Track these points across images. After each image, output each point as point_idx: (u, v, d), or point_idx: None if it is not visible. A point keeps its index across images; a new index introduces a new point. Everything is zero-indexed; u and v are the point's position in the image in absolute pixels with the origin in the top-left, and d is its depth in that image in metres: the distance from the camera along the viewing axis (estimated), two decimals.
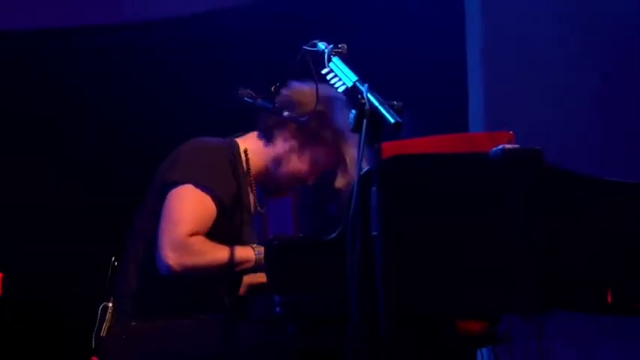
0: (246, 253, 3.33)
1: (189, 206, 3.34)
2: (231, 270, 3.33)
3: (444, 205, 2.88)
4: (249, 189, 3.52)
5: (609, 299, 2.91)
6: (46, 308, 6.00)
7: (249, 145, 3.54)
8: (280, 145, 3.52)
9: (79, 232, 5.92)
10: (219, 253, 3.30)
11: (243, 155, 3.51)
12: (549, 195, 2.89)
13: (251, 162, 3.51)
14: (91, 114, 6.02)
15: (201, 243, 3.34)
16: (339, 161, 3.50)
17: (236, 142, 3.54)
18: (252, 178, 3.51)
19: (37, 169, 6.11)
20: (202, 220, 3.35)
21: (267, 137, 3.54)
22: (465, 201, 2.88)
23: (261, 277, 3.31)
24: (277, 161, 3.52)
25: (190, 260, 3.29)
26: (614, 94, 5.38)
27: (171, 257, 3.27)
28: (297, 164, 3.52)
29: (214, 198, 3.36)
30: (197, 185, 3.35)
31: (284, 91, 3.48)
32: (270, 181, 3.55)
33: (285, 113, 3.44)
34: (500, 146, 2.89)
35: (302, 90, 3.48)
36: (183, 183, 3.34)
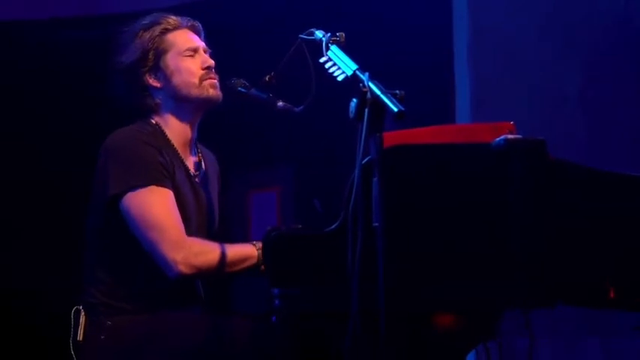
0: (249, 250, 3.24)
1: (157, 208, 3.25)
2: (235, 268, 3.24)
3: (446, 196, 2.85)
4: (179, 155, 3.43)
5: (612, 294, 2.88)
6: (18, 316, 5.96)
7: (156, 119, 3.45)
8: (157, 94, 3.44)
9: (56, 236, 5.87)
10: (221, 252, 3.22)
11: (157, 128, 3.42)
12: (552, 186, 2.86)
13: (165, 128, 3.43)
14: (71, 108, 5.97)
15: (198, 243, 3.27)
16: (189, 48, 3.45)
17: (148, 120, 3.45)
18: (175, 144, 3.42)
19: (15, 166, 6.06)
20: (176, 212, 3.27)
21: (148, 109, 3.46)
22: (468, 192, 2.85)
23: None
24: (174, 98, 3.43)
25: (197, 260, 3.21)
26: (598, 91, 5.39)
27: (179, 260, 3.19)
28: (178, 79, 3.41)
29: (165, 187, 3.28)
30: (145, 186, 3.25)
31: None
32: (200, 106, 3.45)
33: (280, 103, 3.37)
34: (503, 136, 2.86)
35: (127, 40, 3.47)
36: (130, 190, 3.24)
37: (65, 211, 5.43)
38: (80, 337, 3.29)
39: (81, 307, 3.32)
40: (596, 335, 5.23)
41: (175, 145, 3.43)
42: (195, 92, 3.41)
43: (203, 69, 3.43)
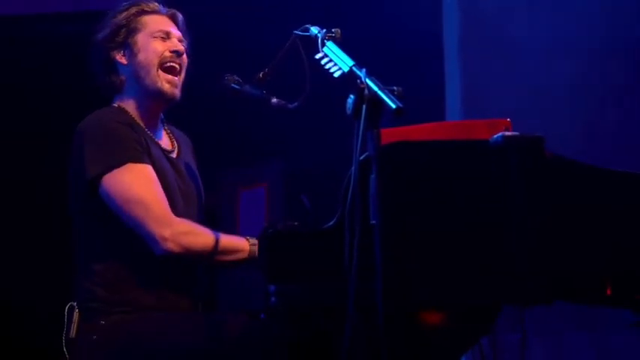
0: (241, 242, 3.21)
1: (138, 186, 3.21)
2: (224, 258, 3.21)
3: (443, 193, 2.84)
4: (149, 133, 3.39)
5: (608, 291, 2.88)
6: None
7: (119, 102, 3.43)
8: (123, 71, 3.43)
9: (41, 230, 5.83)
10: (211, 237, 3.19)
11: (122, 110, 3.40)
12: (550, 183, 2.85)
13: (130, 111, 3.40)
14: (65, 103, 5.92)
15: (187, 223, 3.24)
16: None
17: (112, 105, 3.44)
18: (143, 125, 3.39)
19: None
20: (159, 188, 3.24)
21: (114, 86, 3.44)
22: (465, 189, 2.84)
23: None
24: (135, 79, 3.40)
25: (186, 240, 3.18)
26: (587, 86, 5.40)
27: (167, 237, 3.16)
28: (142, 56, 3.39)
29: (143, 163, 3.25)
30: (121, 165, 3.21)
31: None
32: (154, 96, 3.41)
33: (274, 100, 3.35)
34: (500, 133, 2.85)
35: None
36: (107, 171, 3.21)
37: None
38: (73, 334, 3.27)
39: (75, 304, 3.29)
40: (586, 331, 5.24)
41: (142, 125, 3.40)
42: (150, 80, 3.39)
43: (170, 52, 3.40)
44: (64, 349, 3.27)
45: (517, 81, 5.38)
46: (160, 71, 3.39)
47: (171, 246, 3.16)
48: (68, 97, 5.84)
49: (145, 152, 3.28)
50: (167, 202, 3.23)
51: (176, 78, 3.41)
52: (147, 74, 3.38)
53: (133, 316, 3.23)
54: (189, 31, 3.52)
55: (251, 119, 5.22)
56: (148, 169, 3.25)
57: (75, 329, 3.26)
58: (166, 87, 3.38)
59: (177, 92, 3.41)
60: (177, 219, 3.22)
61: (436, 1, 5.50)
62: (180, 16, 3.51)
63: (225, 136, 5.87)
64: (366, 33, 5.34)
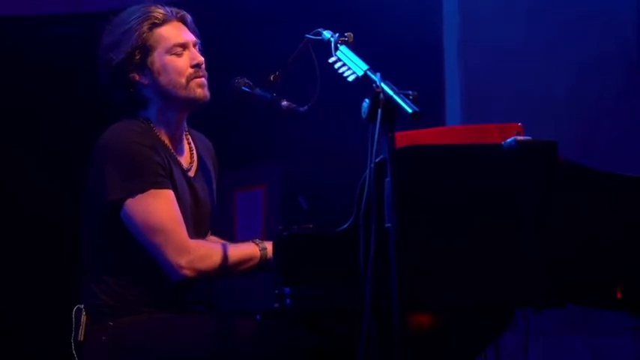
0: (252, 249, 3.25)
1: (159, 213, 3.22)
2: (239, 269, 3.25)
3: (457, 197, 2.85)
4: (171, 150, 3.39)
5: (619, 295, 2.90)
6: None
7: (144, 116, 3.41)
8: (145, 91, 3.39)
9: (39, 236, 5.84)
10: (225, 254, 3.22)
11: (147, 125, 3.38)
12: (562, 188, 2.87)
13: (154, 124, 3.39)
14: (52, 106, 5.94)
15: (203, 247, 3.27)
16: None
17: (137, 116, 3.41)
18: (166, 140, 3.39)
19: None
20: (178, 214, 3.25)
21: (136, 104, 3.41)
22: (479, 192, 2.86)
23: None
24: (161, 96, 3.38)
25: (202, 264, 3.21)
26: (586, 90, 5.42)
27: (183, 264, 3.18)
28: (165, 78, 3.36)
29: (165, 188, 3.26)
30: (144, 191, 3.22)
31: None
32: (187, 105, 3.40)
33: (284, 103, 3.36)
34: (513, 138, 2.87)
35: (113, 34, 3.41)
36: (129, 197, 3.21)
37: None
38: (81, 337, 3.27)
39: (82, 307, 3.29)
40: (583, 333, 5.26)
41: (166, 141, 3.39)
42: (182, 93, 3.36)
43: (192, 66, 3.37)
44: (73, 353, 3.28)
45: (516, 85, 5.40)
46: (189, 83, 3.36)
47: (187, 272, 3.20)
48: (68, 98, 5.87)
49: (167, 175, 3.29)
50: (185, 228, 3.24)
51: (204, 79, 3.40)
52: (176, 93, 3.36)
53: (142, 316, 3.25)
54: (200, 31, 3.51)
55: (250, 121, 5.24)
56: (169, 195, 3.26)
57: (83, 332, 3.27)
58: (199, 92, 3.37)
59: (207, 92, 3.39)
60: (193, 244, 3.24)
61: (436, 5, 5.51)
62: (189, 17, 3.45)
63: (223, 138, 5.86)
64: (365, 35, 5.35)
